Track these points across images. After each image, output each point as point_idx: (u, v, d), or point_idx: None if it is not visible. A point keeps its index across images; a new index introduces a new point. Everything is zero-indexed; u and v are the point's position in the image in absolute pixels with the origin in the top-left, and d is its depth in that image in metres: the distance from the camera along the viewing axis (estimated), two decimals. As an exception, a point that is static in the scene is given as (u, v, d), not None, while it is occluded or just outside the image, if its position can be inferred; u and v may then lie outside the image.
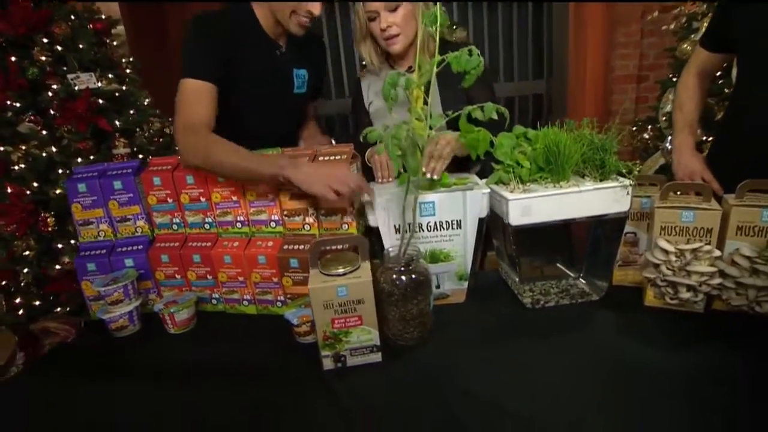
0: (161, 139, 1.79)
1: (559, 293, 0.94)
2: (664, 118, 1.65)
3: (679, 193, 0.86)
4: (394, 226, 0.90)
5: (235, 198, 0.96)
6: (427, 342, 0.83)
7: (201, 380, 0.79)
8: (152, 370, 0.84)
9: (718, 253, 0.75)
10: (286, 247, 0.94)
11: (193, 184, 0.97)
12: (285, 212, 0.94)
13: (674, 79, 1.62)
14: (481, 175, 1.03)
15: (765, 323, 0.76)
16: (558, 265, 1.03)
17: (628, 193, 0.81)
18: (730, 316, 0.80)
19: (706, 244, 0.76)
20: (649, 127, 1.89)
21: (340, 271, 0.75)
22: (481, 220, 0.91)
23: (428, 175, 0.91)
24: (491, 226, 1.01)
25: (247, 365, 0.82)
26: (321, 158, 0.91)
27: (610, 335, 0.80)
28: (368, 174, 1.05)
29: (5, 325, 1.35)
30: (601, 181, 0.85)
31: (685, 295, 0.77)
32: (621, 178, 0.84)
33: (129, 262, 0.99)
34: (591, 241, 0.94)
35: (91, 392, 0.79)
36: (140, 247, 1.01)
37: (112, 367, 0.85)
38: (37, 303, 1.51)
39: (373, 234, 0.92)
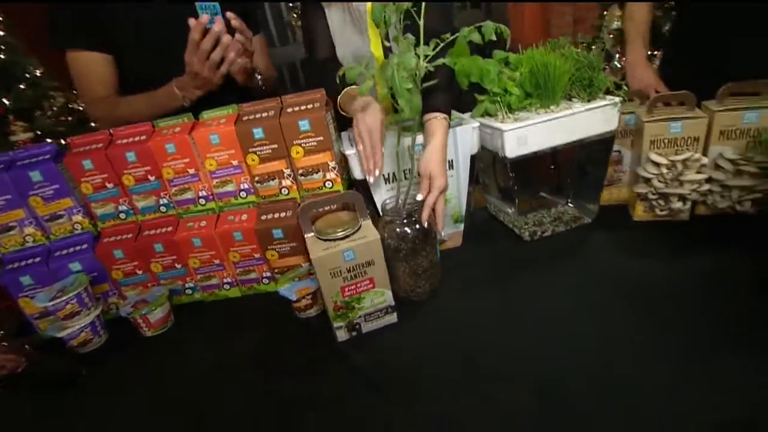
0: (70, 117, 1.51)
1: (552, 222, 0.94)
2: (610, 36, 1.67)
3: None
4: (384, 176, 0.83)
5: (192, 170, 0.82)
6: (439, 293, 0.79)
7: (200, 385, 0.70)
8: (137, 382, 0.73)
9: (705, 160, 0.77)
10: (264, 217, 0.83)
11: (135, 161, 0.81)
12: (256, 178, 0.83)
13: (617, -5, 1.64)
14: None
15: (746, 221, 0.81)
16: (542, 194, 1.03)
17: (618, 111, 0.80)
18: (713, 219, 0.84)
19: (695, 152, 0.78)
20: (593, 48, 1.92)
21: (341, 234, 0.67)
22: (472, 157, 0.86)
23: (438, 229, 0.76)
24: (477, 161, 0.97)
25: (249, 357, 0.74)
26: (289, 109, 0.79)
27: (611, 256, 0.82)
28: (341, 121, 0.94)
29: None
30: (589, 101, 0.82)
31: (677, 205, 0.80)
32: (609, 96, 0.82)
33: (75, 266, 0.84)
34: (578, 164, 0.93)
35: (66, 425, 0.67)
36: (84, 246, 0.85)
37: (86, 389, 0.73)
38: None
39: (359, 187, 0.85)
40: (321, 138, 0.78)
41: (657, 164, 0.79)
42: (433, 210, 0.73)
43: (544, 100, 0.81)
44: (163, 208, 0.86)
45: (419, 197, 0.72)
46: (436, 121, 0.75)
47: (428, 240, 0.74)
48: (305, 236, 0.69)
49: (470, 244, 0.94)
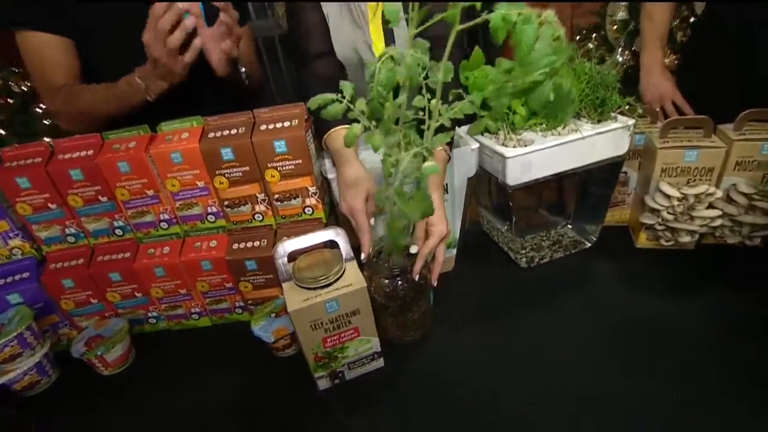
0: (9, 100, 1.35)
1: (551, 246, 0.90)
2: (614, 27, 1.58)
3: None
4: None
5: (151, 192, 0.73)
6: (430, 332, 0.75)
7: (166, 437, 0.64)
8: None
9: (719, 194, 0.73)
10: (235, 246, 0.75)
11: (82, 180, 0.71)
12: (225, 202, 0.74)
13: (625, -21, 1.53)
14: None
15: (753, 252, 0.79)
16: (541, 210, 0.97)
17: (630, 135, 0.74)
18: (719, 249, 0.81)
19: (708, 184, 0.73)
20: (594, 35, 1.83)
21: (322, 281, 0.61)
22: (468, 179, 0.80)
23: (432, 283, 0.69)
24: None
25: (220, 403, 0.68)
26: (263, 126, 0.70)
27: (613, 288, 0.79)
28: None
29: None
30: (598, 121, 0.76)
31: (685, 239, 0.76)
32: (621, 117, 0.76)
33: (15, 297, 0.75)
34: (581, 185, 0.88)
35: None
36: (27, 274, 0.76)
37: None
38: None
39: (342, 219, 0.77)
40: (299, 161, 0.69)
41: (668, 196, 0.74)
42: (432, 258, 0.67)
43: (551, 121, 0.75)
44: (119, 231, 0.77)
45: (413, 249, 0.65)
46: (435, 153, 0.67)
47: (422, 293, 0.68)
48: (282, 284, 0.62)
49: (463, 268, 0.88)
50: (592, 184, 0.86)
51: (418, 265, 0.64)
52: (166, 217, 0.76)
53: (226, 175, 0.71)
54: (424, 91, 0.51)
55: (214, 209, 0.75)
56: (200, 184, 0.72)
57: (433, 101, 0.50)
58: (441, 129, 0.54)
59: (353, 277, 0.62)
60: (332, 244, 0.66)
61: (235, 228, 0.77)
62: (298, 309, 0.58)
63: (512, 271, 0.86)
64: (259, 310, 0.76)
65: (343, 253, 0.64)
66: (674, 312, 0.71)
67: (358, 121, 0.52)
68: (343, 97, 0.50)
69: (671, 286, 0.76)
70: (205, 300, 0.80)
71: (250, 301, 0.80)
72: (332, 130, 0.71)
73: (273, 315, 0.74)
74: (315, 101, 0.49)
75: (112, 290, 0.78)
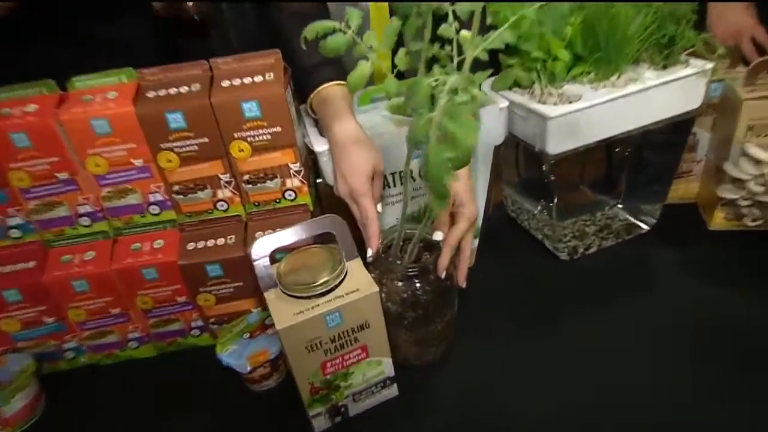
0: None
1: (598, 232, 0.90)
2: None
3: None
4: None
5: (63, 175, 0.68)
6: (453, 347, 0.74)
7: None
8: None
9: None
10: (191, 246, 0.72)
11: (-42, 162, 0.66)
12: (176, 187, 0.70)
13: None
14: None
15: None
16: (582, 187, 0.98)
17: (707, 82, 0.75)
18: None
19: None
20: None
21: (319, 287, 0.58)
22: (495, 148, 0.79)
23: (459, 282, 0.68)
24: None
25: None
26: (225, 82, 0.66)
27: (680, 281, 0.80)
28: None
29: None
30: (664, 67, 0.76)
31: (779, 216, 0.78)
32: (693, 60, 0.76)
33: None
34: (637, 151, 0.88)
35: None
36: None
37: None
38: None
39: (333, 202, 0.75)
40: (278, 128, 0.66)
41: (757, 162, 0.76)
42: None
43: (603, 69, 0.74)
44: (15, 232, 0.72)
45: (438, 236, 0.64)
46: None
47: (447, 299, 0.67)
48: (264, 293, 0.59)
49: (488, 264, 0.88)
50: (651, 150, 0.87)
51: (445, 258, 0.63)
52: (89, 209, 0.72)
53: (176, 149, 0.67)
54: (450, 19, 0.49)
55: (159, 197, 0.72)
56: (138, 162, 0.68)
57: (464, 31, 0.49)
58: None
59: (359, 281, 0.60)
60: (323, 239, 0.64)
61: (190, 222, 0.74)
62: (290, 326, 0.55)
63: (550, 265, 0.87)
64: (227, 330, 0.74)
65: (343, 249, 0.62)
66: (764, 314, 0.72)
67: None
68: (348, 27, 0.47)
69: (758, 277, 0.78)
70: (149, 321, 0.77)
71: (212, 319, 0.78)
72: (322, 86, 0.67)
73: (246, 335, 0.72)
74: (312, 29, 0.46)
75: (7, 316, 0.73)
